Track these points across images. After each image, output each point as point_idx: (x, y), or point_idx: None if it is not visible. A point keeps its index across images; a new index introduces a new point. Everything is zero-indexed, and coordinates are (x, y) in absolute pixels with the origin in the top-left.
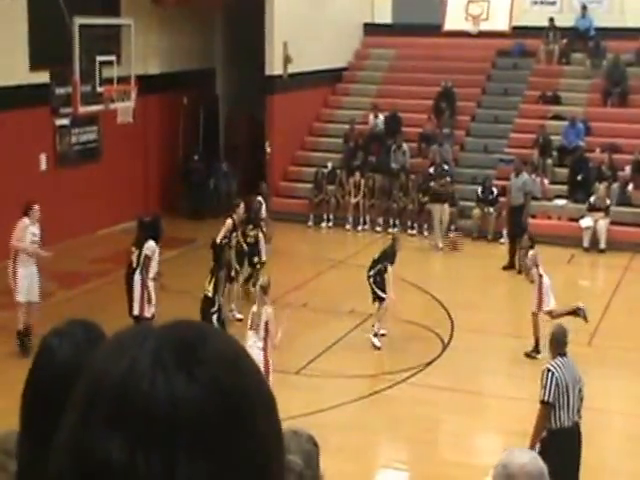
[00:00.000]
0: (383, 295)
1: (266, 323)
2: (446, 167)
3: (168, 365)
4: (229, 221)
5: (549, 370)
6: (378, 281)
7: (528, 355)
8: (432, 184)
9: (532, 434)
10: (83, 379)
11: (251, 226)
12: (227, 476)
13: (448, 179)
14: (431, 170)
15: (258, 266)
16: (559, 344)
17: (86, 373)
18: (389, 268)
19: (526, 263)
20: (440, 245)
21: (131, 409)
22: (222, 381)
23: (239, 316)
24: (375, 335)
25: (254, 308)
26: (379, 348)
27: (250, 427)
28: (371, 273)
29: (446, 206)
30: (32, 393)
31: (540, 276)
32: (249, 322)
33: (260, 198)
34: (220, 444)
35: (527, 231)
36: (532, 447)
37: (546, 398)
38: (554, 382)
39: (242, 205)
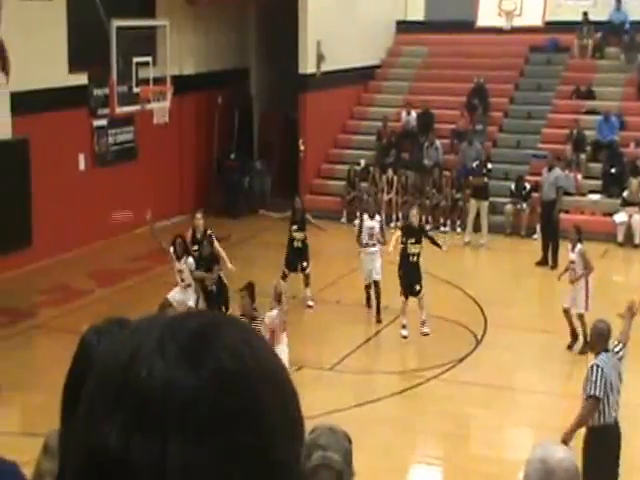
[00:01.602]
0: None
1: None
2: (490, 166)
3: (169, 353)
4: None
5: (597, 366)
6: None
7: (583, 352)
8: (471, 178)
9: (572, 426)
10: (95, 367)
11: (295, 227)
12: (225, 468)
13: (485, 179)
14: (474, 165)
15: (307, 273)
16: (603, 339)
17: (98, 361)
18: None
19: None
20: (467, 239)
21: (129, 395)
22: (225, 373)
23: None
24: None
25: (274, 312)
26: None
27: (253, 420)
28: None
29: (484, 203)
30: (70, 390)
31: (588, 273)
32: (280, 326)
33: (376, 216)
34: (217, 435)
35: (559, 226)
36: (568, 440)
37: (596, 393)
38: (603, 378)
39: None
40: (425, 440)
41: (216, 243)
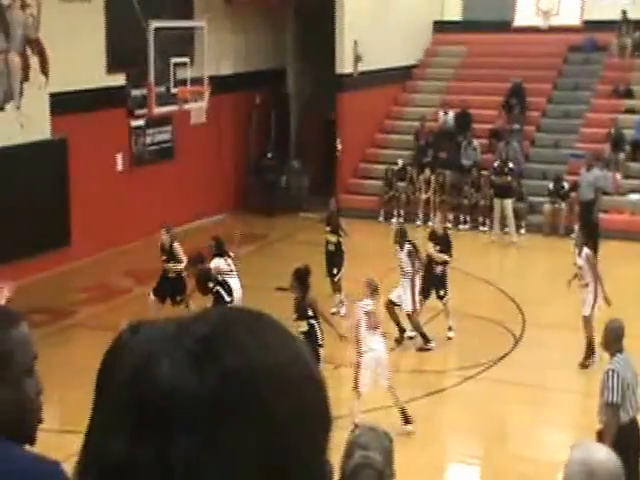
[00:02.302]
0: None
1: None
2: (511, 165)
3: (177, 358)
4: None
5: (614, 371)
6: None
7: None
8: (493, 178)
9: (608, 439)
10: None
11: (329, 229)
12: (230, 468)
13: (509, 178)
14: (495, 165)
15: (337, 279)
16: (617, 338)
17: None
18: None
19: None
20: (492, 239)
21: (135, 399)
22: (229, 376)
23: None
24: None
25: (369, 307)
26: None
27: (256, 419)
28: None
29: (507, 201)
30: None
31: (596, 278)
32: (367, 323)
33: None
34: (221, 437)
35: (598, 226)
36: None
37: (615, 399)
38: (620, 382)
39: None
40: (462, 439)
41: (176, 244)
